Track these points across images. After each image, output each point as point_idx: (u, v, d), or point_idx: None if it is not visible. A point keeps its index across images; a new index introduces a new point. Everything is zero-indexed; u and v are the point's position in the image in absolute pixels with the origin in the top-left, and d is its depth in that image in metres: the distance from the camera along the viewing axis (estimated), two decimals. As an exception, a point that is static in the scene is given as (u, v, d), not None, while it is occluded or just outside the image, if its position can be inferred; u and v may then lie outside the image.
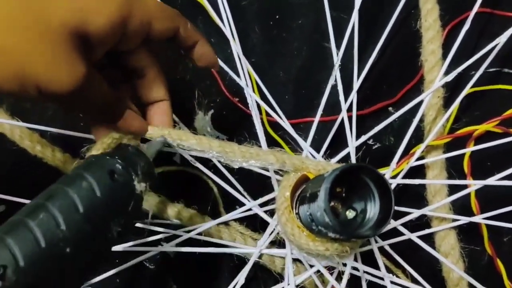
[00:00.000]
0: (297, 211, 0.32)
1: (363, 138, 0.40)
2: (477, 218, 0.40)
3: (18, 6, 0.26)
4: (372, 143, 0.44)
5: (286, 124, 0.42)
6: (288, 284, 0.37)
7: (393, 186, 0.40)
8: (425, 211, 0.39)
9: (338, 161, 0.40)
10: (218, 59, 0.35)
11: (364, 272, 0.38)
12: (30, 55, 0.26)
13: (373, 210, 0.29)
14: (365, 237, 0.29)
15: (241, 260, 0.42)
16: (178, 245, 0.39)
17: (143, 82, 0.34)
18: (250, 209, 0.39)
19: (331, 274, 0.39)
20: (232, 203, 0.42)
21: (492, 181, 0.38)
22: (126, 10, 0.29)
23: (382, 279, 0.38)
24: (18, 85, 0.26)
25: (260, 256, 0.41)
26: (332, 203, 0.30)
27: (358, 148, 0.43)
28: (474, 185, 0.39)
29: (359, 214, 0.30)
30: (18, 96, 0.27)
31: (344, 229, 0.28)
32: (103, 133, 0.33)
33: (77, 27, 0.26)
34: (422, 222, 0.41)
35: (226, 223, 0.42)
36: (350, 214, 0.30)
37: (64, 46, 0.26)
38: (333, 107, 0.43)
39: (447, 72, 0.42)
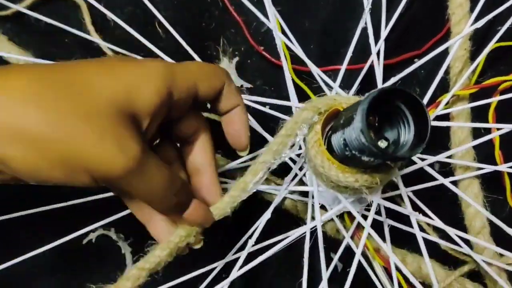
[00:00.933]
0: (326, 146, 0.32)
1: (390, 81, 0.40)
2: (502, 167, 0.40)
3: (62, 90, 0.25)
4: (398, 93, 0.44)
5: (315, 68, 0.41)
6: (311, 223, 0.37)
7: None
8: (449, 153, 0.39)
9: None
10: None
11: (388, 210, 0.38)
12: (77, 139, 0.24)
13: (407, 135, 0.29)
14: (401, 159, 0.29)
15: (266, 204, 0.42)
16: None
17: (191, 149, 0.32)
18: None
19: (353, 219, 0.39)
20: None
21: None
22: (170, 80, 0.28)
23: (408, 218, 0.38)
24: (67, 172, 0.25)
25: (283, 200, 0.41)
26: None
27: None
28: (497, 130, 0.39)
29: (390, 145, 0.30)
30: (70, 184, 0.25)
31: (379, 150, 0.28)
32: (162, 229, 0.31)
33: (124, 106, 0.26)
34: (446, 171, 0.42)
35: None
36: (382, 144, 0.30)
37: (113, 126, 0.25)
38: (360, 55, 0.43)
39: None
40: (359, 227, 0.40)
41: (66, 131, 0.24)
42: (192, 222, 0.30)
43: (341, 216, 0.41)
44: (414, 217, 0.37)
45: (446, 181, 0.38)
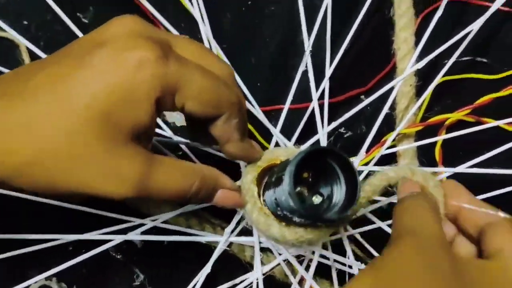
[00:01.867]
0: (264, 198, 0.31)
1: (333, 124, 0.39)
2: (448, 207, 0.39)
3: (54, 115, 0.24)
4: (344, 131, 0.44)
5: (258, 111, 0.41)
6: (257, 272, 0.36)
7: (364, 174, 0.39)
8: (393, 199, 0.38)
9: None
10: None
11: (334, 261, 0.38)
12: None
13: (339, 194, 0.28)
14: (330, 221, 0.28)
15: (211, 250, 0.41)
16: (144, 234, 0.38)
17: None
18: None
19: (301, 263, 0.39)
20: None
21: (462, 168, 0.38)
22: (164, 79, 0.26)
23: (351, 267, 0.37)
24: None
25: (230, 245, 0.40)
26: (299, 188, 0.29)
27: (329, 136, 0.42)
28: (444, 172, 0.39)
29: (325, 200, 0.29)
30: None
31: (309, 213, 0.27)
32: None
33: (108, 121, 0.25)
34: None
35: (194, 213, 0.41)
36: (317, 199, 0.29)
37: (103, 142, 0.25)
38: (306, 94, 0.42)
39: (419, 61, 0.42)
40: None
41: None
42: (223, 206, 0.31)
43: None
44: (357, 267, 0.36)
45: (383, 224, 0.38)
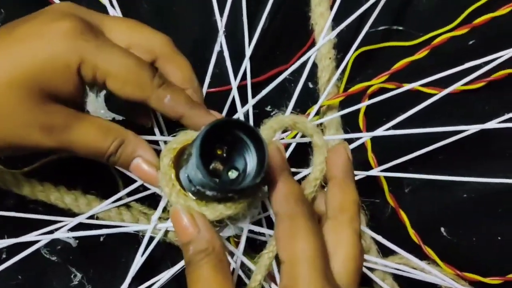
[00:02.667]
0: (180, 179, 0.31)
1: (252, 102, 0.39)
2: (374, 171, 0.41)
3: None
4: (270, 109, 0.45)
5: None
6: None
7: (292, 147, 0.40)
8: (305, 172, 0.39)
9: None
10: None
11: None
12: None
13: (252, 163, 0.29)
14: (242, 190, 0.28)
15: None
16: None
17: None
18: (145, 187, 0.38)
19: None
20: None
21: (380, 131, 0.39)
22: (75, 60, 0.29)
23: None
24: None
25: (166, 234, 0.40)
26: (213, 165, 0.30)
27: (256, 115, 0.43)
28: (365, 137, 0.40)
29: (241, 173, 0.30)
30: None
31: (220, 185, 0.28)
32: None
33: (31, 83, 0.28)
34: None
35: (127, 205, 0.41)
36: (233, 174, 0.30)
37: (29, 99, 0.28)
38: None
39: (337, 35, 0.42)
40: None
41: None
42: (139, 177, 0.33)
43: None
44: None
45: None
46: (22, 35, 0.29)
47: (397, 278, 0.41)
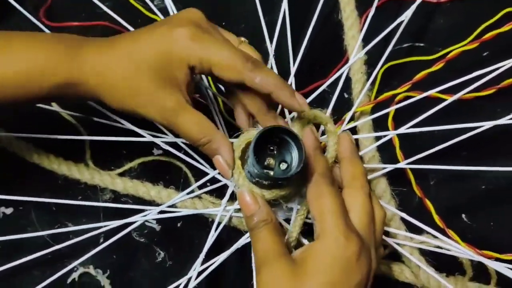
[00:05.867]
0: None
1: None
2: (401, 164, 0.48)
3: (125, 58, 0.39)
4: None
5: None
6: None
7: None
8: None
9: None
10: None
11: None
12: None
13: (296, 158, 0.38)
14: (289, 177, 0.38)
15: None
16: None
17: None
18: (216, 179, 0.48)
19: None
20: (204, 183, 0.50)
21: (403, 129, 0.47)
22: (186, 56, 0.39)
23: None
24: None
25: (230, 219, 0.49)
26: (267, 161, 0.39)
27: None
28: (391, 134, 0.48)
29: (289, 165, 0.39)
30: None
31: (272, 176, 0.37)
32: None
33: (157, 68, 0.39)
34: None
35: (199, 197, 0.50)
36: (283, 166, 0.39)
37: (154, 81, 0.39)
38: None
39: (367, 52, 0.51)
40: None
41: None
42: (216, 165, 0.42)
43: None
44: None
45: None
46: (155, 34, 0.39)
47: (423, 253, 0.49)
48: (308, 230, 0.42)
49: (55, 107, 0.52)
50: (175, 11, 0.54)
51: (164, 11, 0.55)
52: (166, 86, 0.39)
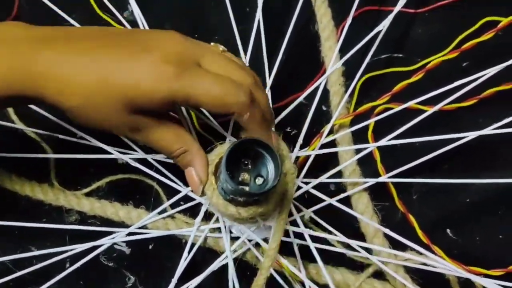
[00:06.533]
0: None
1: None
2: (383, 178, 0.47)
3: (95, 79, 0.35)
4: (290, 130, 0.51)
5: (214, 122, 0.48)
6: (226, 256, 0.42)
7: (311, 158, 0.47)
8: (326, 176, 0.46)
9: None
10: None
11: (294, 237, 0.45)
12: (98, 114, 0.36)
13: (271, 171, 0.36)
14: (266, 192, 0.35)
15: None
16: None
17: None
18: (189, 197, 0.45)
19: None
20: (177, 202, 0.48)
21: (384, 141, 0.45)
22: (169, 98, 0.35)
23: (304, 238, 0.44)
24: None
25: (205, 240, 0.47)
26: (242, 176, 0.37)
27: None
28: (371, 147, 0.46)
29: (265, 180, 0.37)
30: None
31: (247, 192, 0.35)
32: None
33: (129, 98, 0.35)
34: (339, 190, 0.48)
35: (172, 217, 0.48)
36: (258, 181, 0.37)
37: (122, 109, 0.35)
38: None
39: (345, 63, 0.50)
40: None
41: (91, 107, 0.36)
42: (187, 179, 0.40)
43: (258, 244, 0.47)
44: (306, 233, 0.43)
45: (333, 200, 0.45)
46: (138, 62, 0.35)
47: (408, 271, 0.46)
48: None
49: (18, 124, 0.49)
50: (145, 24, 0.52)
51: (134, 24, 0.53)
52: (137, 111, 0.36)
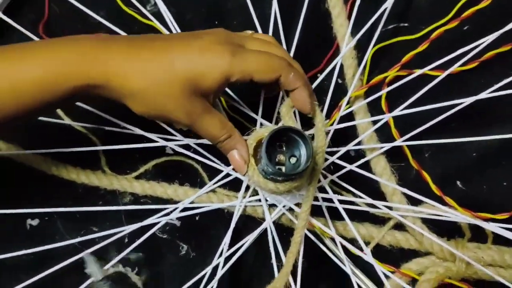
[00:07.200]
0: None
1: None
2: (398, 142, 0.52)
3: (159, 65, 0.40)
4: (312, 103, 0.56)
5: (244, 105, 0.53)
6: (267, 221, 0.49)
7: (331, 132, 0.52)
8: (349, 146, 0.51)
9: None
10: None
11: (323, 200, 0.51)
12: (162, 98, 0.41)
13: (304, 153, 0.41)
14: (301, 172, 0.41)
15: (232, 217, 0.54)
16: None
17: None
18: (228, 174, 0.51)
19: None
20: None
21: (397, 111, 0.50)
22: (229, 72, 0.41)
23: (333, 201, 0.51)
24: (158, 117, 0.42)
25: (245, 209, 0.53)
26: (278, 157, 0.43)
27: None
28: (386, 117, 0.51)
29: (298, 159, 0.42)
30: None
31: (284, 173, 0.41)
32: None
33: (192, 80, 0.40)
34: (359, 155, 0.54)
35: (213, 191, 0.54)
36: (292, 160, 0.43)
37: (184, 92, 0.40)
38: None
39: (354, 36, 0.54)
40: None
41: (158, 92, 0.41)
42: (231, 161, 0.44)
43: (291, 209, 0.53)
44: (335, 198, 0.50)
45: (353, 166, 0.51)
46: (192, 47, 0.41)
47: (424, 221, 0.53)
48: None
49: (66, 120, 0.54)
50: (169, 15, 0.56)
51: (158, 16, 0.57)
52: (196, 94, 0.41)
